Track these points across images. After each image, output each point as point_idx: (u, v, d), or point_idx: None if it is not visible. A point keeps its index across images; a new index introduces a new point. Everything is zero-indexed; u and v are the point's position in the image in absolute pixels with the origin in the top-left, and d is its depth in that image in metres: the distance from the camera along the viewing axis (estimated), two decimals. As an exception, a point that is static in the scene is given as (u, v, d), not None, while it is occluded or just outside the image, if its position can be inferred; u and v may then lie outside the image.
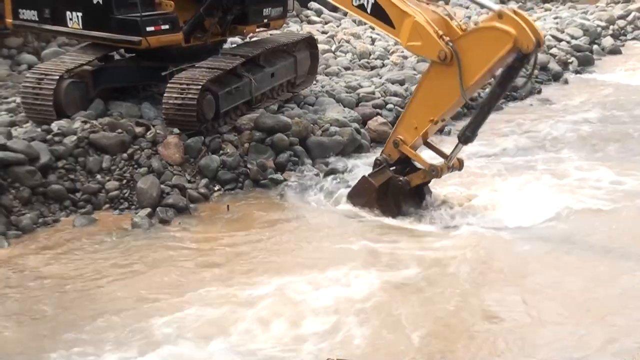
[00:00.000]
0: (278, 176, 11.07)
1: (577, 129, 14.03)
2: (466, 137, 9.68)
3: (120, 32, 11.51)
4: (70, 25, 11.86)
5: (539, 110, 15.42)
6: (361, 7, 9.85)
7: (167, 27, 11.61)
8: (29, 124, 11.32)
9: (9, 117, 11.66)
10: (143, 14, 11.35)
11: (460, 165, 10.26)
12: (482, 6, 9.37)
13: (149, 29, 11.41)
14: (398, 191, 10.02)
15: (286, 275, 8.33)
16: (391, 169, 10.07)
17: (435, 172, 9.85)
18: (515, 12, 8.83)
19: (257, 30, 13.49)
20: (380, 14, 9.71)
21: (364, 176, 10.28)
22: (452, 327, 7.51)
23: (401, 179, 9.93)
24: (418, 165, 10.07)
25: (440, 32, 9.28)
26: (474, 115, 9.78)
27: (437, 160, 10.13)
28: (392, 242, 9.34)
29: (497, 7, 9.27)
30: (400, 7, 9.52)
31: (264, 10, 12.90)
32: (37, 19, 12.18)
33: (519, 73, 9.16)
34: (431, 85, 9.57)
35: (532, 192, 10.86)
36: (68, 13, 11.81)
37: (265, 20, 13.12)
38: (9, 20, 12.50)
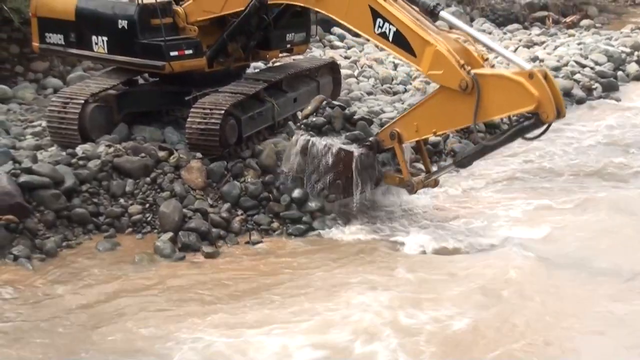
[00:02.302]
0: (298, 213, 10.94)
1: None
2: (461, 164, 9.90)
3: (145, 57, 11.63)
4: (95, 50, 12.01)
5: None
6: (383, 35, 9.90)
7: (190, 51, 11.71)
8: (54, 147, 11.44)
9: (35, 141, 11.79)
10: (167, 38, 11.46)
11: (435, 183, 10.47)
12: (513, 63, 9.38)
13: (172, 53, 11.52)
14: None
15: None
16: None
17: (410, 187, 10.13)
18: (546, 77, 8.83)
19: (280, 55, 13.54)
20: (401, 42, 9.77)
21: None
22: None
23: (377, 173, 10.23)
24: None
25: (462, 62, 9.30)
26: (476, 150, 9.92)
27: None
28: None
29: (529, 66, 9.25)
30: (422, 35, 9.57)
31: (287, 35, 12.94)
32: (63, 43, 12.37)
33: (531, 131, 9.19)
34: (445, 104, 9.58)
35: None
36: (94, 37, 11.97)
37: (288, 46, 13.16)
38: (35, 44, 12.69)
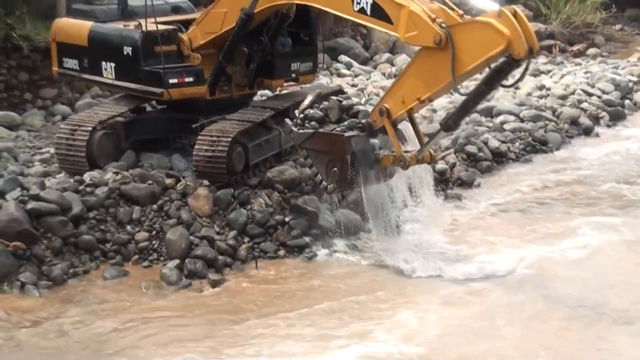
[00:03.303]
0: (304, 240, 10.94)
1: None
2: (448, 126, 9.60)
3: (145, 84, 11.74)
4: (105, 76, 12.16)
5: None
6: (362, 11, 9.82)
7: (191, 79, 11.74)
8: (62, 174, 11.48)
9: (43, 168, 11.85)
10: (167, 66, 11.51)
11: (431, 158, 10.15)
12: (481, 6, 9.38)
13: (171, 81, 11.58)
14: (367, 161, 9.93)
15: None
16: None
17: (402, 162, 9.77)
18: (515, 14, 8.68)
19: (286, 85, 13.54)
20: (379, 13, 9.66)
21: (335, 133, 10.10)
22: None
23: (371, 156, 9.89)
24: None
25: (434, 16, 9.17)
26: (459, 107, 9.70)
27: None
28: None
29: (497, 5, 9.12)
30: (395, 0, 9.48)
31: (292, 64, 12.85)
32: (77, 68, 12.56)
33: (508, 76, 9.06)
34: (423, 65, 9.47)
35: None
36: (103, 63, 12.12)
37: (294, 75, 13.05)
38: (54, 69, 12.91)
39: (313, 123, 10.41)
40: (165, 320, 8.79)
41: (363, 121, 10.04)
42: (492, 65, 9.02)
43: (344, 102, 10.70)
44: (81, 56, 12.48)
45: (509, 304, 9.24)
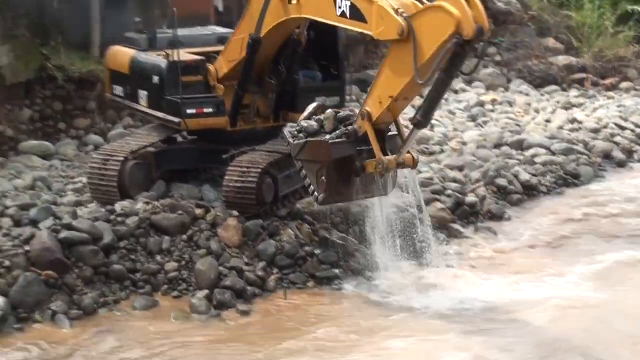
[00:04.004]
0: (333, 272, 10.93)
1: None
2: (418, 122, 9.30)
3: (167, 113, 11.88)
4: (140, 103, 12.37)
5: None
6: (343, 15, 9.69)
7: (210, 110, 11.79)
8: (94, 204, 11.57)
9: (75, 197, 11.95)
10: (187, 96, 11.62)
11: (413, 163, 9.78)
12: None
13: (189, 111, 11.67)
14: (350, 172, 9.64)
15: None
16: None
17: (381, 165, 9.41)
18: None
19: None
20: (356, 14, 9.52)
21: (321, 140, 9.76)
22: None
23: (357, 163, 9.58)
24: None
25: (396, 6, 8.98)
26: (425, 100, 9.43)
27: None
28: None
29: None
30: None
31: (316, 99, 12.29)
32: (122, 95, 12.88)
33: (464, 60, 8.81)
34: (393, 61, 9.27)
35: None
36: (139, 91, 12.34)
37: None
38: (107, 94, 13.31)
39: (302, 134, 10.04)
40: (194, 350, 8.80)
41: (349, 128, 9.75)
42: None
43: (340, 113, 10.34)
44: (125, 83, 12.82)
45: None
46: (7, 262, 9.58)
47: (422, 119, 9.34)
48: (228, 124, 11.96)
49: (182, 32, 12.60)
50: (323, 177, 9.73)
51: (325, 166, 9.71)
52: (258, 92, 12.00)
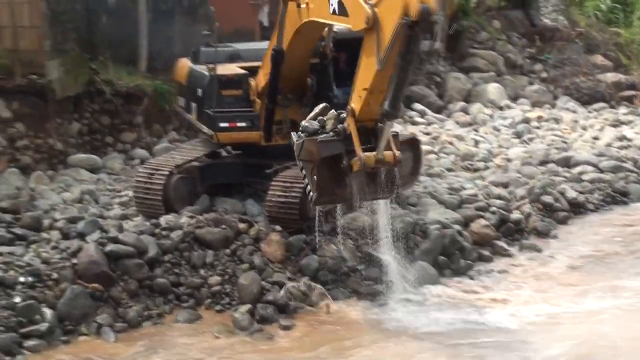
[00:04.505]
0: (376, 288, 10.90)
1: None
2: (387, 113, 9.11)
3: (206, 125, 12.07)
4: (192, 115, 12.64)
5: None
6: (334, 12, 9.74)
7: (244, 124, 11.87)
8: (139, 217, 11.71)
9: (121, 211, 12.12)
10: (221, 109, 11.78)
11: (394, 160, 9.49)
12: None
13: (222, 124, 11.80)
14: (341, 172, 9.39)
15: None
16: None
17: (360, 162, 9.21)
18: None
19: None
20: (341, 9, 9.56)
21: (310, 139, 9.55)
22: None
23: (344, 162, 9.33)
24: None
25: None
26: (390, 90, 9.14)
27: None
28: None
29: None
30: None
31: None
32: (183, 107, 13.23)
33: (418, 44, 8.67)
34: (364, 53, 9.22)
35: None
36: (192, 103, 12.63)
37: None
38: (174, 105, 13.79)
39: (304, 134, 9.84)
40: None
41: (338, 127, 9.60)
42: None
43: (344, 114, 10.04)
44: (183, 95, 13.17)
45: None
46: (55, 275, 9.75)
47: (391, 109, 9.12)
48: (262, 138, 12.01)
49: (243, 46, 12.76)
50: (315, 177, 9.61)
51: (315, 165, 9.55)
52: (287, 107, 12.03)
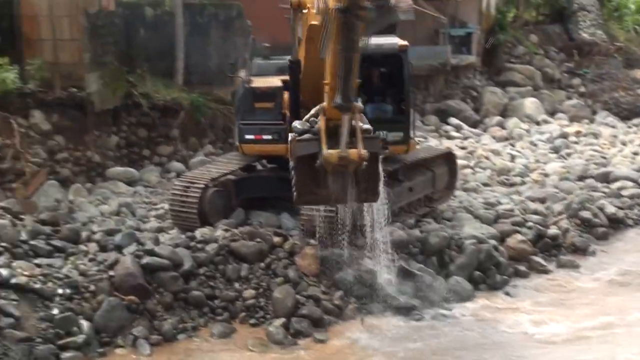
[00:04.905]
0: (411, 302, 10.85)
1: None
2: (339, 106, 8.97)
3: (237, 137, 12.25)
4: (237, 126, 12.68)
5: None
6: (317, 12, 9.53)
7: (269, 137, 11.89)
8: (175, 230, 11.77)
9: (158, 223, 12.20)
10: (243, 121, 11.94)
11: (359, 158, 9.16)
12: None
13: (247, 136, 11.92)
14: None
15: None
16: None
17: (320, 159, 9.11)
18: None
19: None
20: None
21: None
22: None
23: (318, 161, 9.18)
24: None
25: None
26: (340, 70, 8.92)
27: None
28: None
29: None
30: None
31: (377, 132, 12.57)
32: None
33: (354, 30, 8.49)
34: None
35: None
36: (237, 115, 12.72)
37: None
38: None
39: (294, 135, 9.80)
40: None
41: (315, 126, 9.53)
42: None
43: None
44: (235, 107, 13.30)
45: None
46: (92, 287, 9.83)
47: (342, 102, 8.98)
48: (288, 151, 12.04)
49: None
50: (293, 175, 9.55)
51: (294, 164, 9.49)
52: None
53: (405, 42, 12.37)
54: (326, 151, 9.12)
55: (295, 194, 9.59)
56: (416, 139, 13.42)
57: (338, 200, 9.73)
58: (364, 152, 9.20)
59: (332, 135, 9.24)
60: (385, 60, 12.26)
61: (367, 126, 9.56)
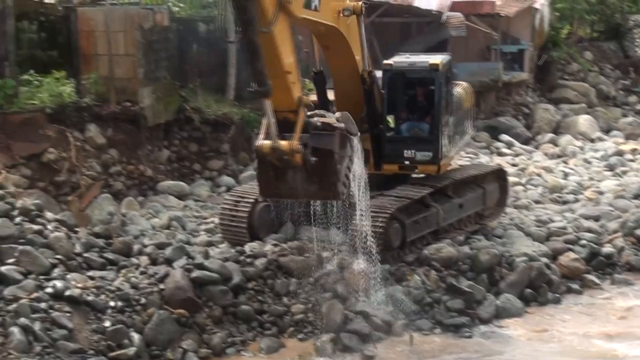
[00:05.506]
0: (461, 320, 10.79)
1: None
2: (257, 91, 9.18)
3: None
4: None
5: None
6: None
7: None
8: (225, 244, 11.84)
9: (207, 237, 12.28)
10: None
11: (290, 150, 9.42)
12: None
13: None
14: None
15: None
16: None
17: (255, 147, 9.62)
18: None
19: (400, 172, 12.49)
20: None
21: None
22: None
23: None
24: None
25: None
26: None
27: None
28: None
29: None
30: None
31: (405, 152, 12.24)
32: None
33: (247, 13, 8.85)
34: None
35: None
36: None
37: (407, 163, 12.31)
38: None
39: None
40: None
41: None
42: None
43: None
44: None
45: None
46: (143, 300, 9.92)
47: (258, 86, 9.16)
48: None
49: None
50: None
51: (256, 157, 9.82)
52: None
53: (436, 61, 12.17)
54: (260, 141, 9.48)
55: (258, 187, 10.20)
56: (458, 158, 13.23)
57: (295, 195, 10.10)
58: (295, 144, 9.43)
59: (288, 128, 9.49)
60: (422, 79, 12.18)
61: (330, 121, 9.76)
